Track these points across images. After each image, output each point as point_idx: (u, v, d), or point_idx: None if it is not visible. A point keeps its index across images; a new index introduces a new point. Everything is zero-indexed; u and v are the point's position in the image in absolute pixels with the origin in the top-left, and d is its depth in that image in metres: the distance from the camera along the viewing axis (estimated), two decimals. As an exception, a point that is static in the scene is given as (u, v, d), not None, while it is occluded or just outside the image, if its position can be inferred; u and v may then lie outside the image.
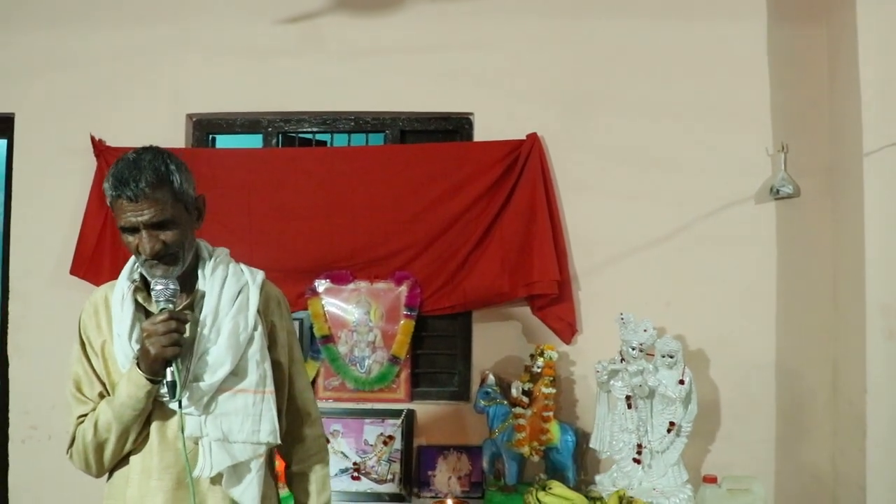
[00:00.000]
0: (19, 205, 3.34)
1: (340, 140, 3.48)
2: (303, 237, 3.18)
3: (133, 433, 1.75)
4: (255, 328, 1.82)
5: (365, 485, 3.07)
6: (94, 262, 3.18)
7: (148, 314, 1.77)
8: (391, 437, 3.12)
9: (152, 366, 1.66)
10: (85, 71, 3.34)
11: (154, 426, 1.76)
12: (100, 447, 1.75)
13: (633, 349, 2.83)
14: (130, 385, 1.70)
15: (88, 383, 1.79)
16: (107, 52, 3.34)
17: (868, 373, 2.81)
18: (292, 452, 1.99)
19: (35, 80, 3.35)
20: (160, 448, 1.76)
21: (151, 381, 1.68)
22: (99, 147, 3.24)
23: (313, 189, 3.21)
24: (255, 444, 1.78)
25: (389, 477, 3.08)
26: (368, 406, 3.20)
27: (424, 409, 3.22)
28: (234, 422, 1.76)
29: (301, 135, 3.50)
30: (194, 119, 3.40)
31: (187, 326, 1.71)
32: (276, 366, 1.89)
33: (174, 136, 3.30)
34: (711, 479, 2.57)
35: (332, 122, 3.40)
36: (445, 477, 3.10)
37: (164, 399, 1.73)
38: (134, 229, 1.69)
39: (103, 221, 3.19)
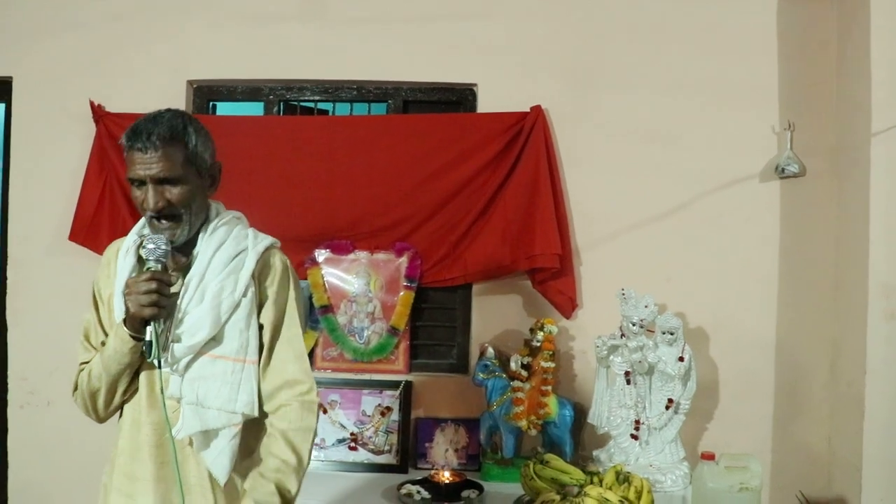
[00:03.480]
0: (18, 170, 3.32)
1: (342, 109, 3.44)
2: (303, 206, 3.16)
3: (121, 386, 1.78)
4: (243, 294, 1.77)
5: (362, 455, 3.07)
6: (92, 228, 3.17)
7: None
8: (389, 409, 3.12)
9: (133, 323, 1.68)
10: (85, 35, 3.30)
11: (143, 381, 1.78)
12: (93, 395, 1.80)
13: (634, 325, 2.82)
14: (116, 339, 1.72)
15: (94, 332, 1.83)
16: (107, 17, 3.29)
17: (868, 354, 2.80)
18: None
19: (34, 43, 3.31)
20: (148, 403, 1.78)
21: (134, 337, 1.70)
22: (98, 112, 3.21)
23: (314, 158, 3.18)
24: (229, 413, 1.73)
25: (387, 448, 3.08)
26: (366, 377, 3.20)
27: (422, 381, 3.21)
28: (211, 387, 1.73)
29: (303, 103, 3.46)
30: (195, 86, 3.37)
31: (173, 288, 1.72)
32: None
33: (174, 103, 3.12)
34: (709, 456, 2.57)
35: (335, 91, 3.36)
36: (442, 449, 3.11)
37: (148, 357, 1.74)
38: (141, 182, 1.70)
39: (102, 187, 3.18)
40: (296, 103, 3.44)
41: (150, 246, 1.69)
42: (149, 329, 1.67)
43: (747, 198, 3.15)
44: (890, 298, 2.79)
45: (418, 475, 2.91)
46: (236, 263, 1.79)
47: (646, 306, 2.83)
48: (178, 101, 3.28)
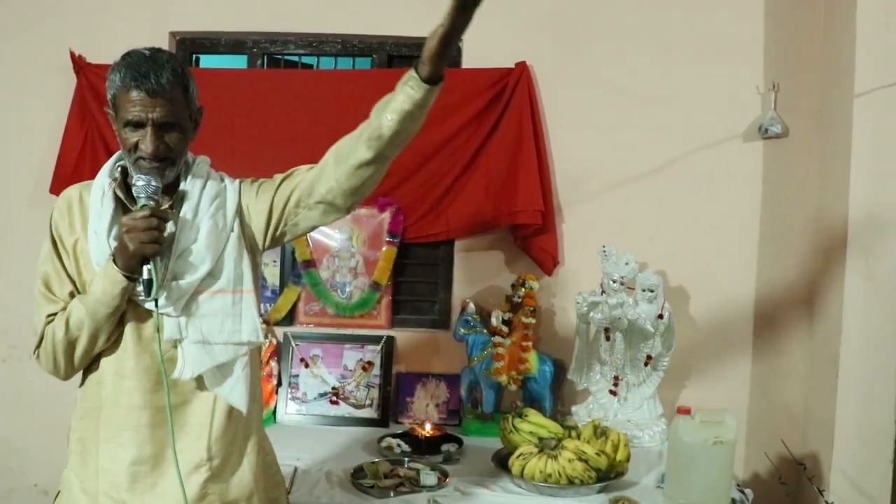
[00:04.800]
0: (-4, 121, 3.28)
1: (327, 63, 3.41)
2: (286, 160, 3.06)
3: (105, 333, 1.72)
4: (231, 229, 1.79)
5: (343, 409, 3.09)
6: (74, 181, 3.10)
7: (128, 212, 1.72)
8: (370, 363, 3.14)
9: (129, 262, 1.64)
10: (65, -16, 3.24)
11: (129, 327, 1.74)
12: (70, 346, 1.72)
13: (614, 282, 2.84)
14: (106, 281, 1.67)
15: (59, 282, 1.76)
16: (89, -36, 3.24)
17: (844, 314, 2.83)
18: (322, 177, 1.81)
19: (13, -8, 3.25)
20: (136, 350, 1.73)
21: (128, 278, 1.65)
22: (79, 63, 3.16)
23: (298, 112, 3.16)
24: (236, 345, 1.75)
25: (368, 402, 3.10)
26: (348, 332, 3.21)
27: (404, 336, 3.23)
28: (214, 323, 1.73)
29: (287, 57, 3.42)
30: (178, 37, 3.33)
31: (168, 225, 1.70)
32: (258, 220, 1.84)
33: None
34: (685, 411, 2.60)
35: (319, 44, 3.32)
36: (423, 404, 3.14)
37: (140, 298, 1.70)
38: (140, 124, 1.67)
39: (83, 139, 3.15)
40: (280, 57, 3.40)
41: (141, 183, 1.67)
42: (146, 268, 1.64)
43: (730, 157, 3.16)
44: (868, 259, 2.81)
45: (399, 429, 2.94)
46: (221, 200, 1.80)
47: (626, 263, 2.85)
48: (161, 52, 3.23)
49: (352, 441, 2.88)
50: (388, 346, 3.17)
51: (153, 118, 1.66)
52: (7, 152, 3.27)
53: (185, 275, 1.71)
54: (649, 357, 2.88)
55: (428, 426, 2.87)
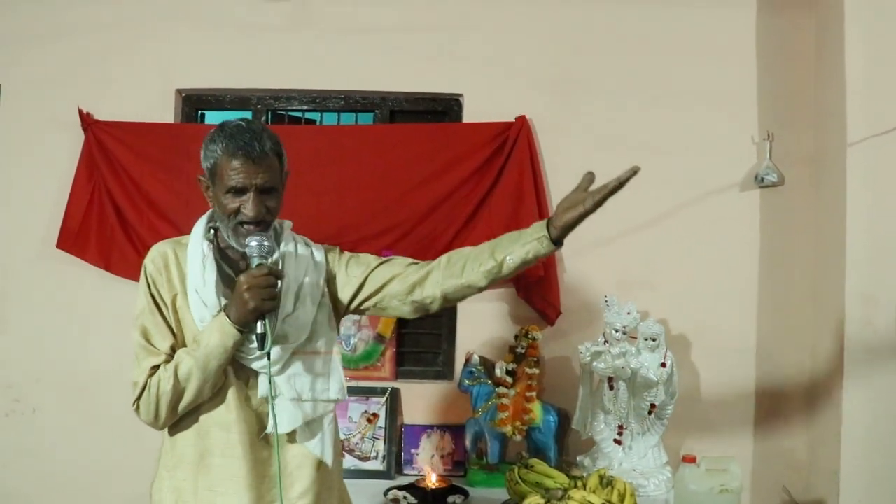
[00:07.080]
0: (4, 177, 3.31)
1: (330, 119, 3.48)
2: (290, 214, 3.12)
3: (211, 385, 1.80)
4: (323, 294, 1.91)
5: (349, 462, 3.08)
6: (80, 237, 3.18)
7: (222, 273, 1.84)
8: (375, 416, 3.14)
9: (247, 317, 1.73)
10: (74, 43, 3.30)
11: (233, 381, 1.83)
12: (177, 396, 1.79)
13: (617, 331, 2.86)
14: (219, 335, 1.75)
15: (161, 335, 1.83)
16: (96, 25, 3.30)
17: (846, 360, 2.85)
18: (426, 282, 1.94)
19: (23, 51, 3.31)
20: (237, 403, 1.82)
21: (241, 331, 1.74)
22: (87, 120, 3.22)
23: (302, 167, 3.16)
24: (325, 402, 1.88)
25: (373, 454, 3.10)
26: (353, 384, 3.20)
27: (409, 388, 3.24)
28: (306, 381, 1.85)
29: (290, 113, 3.49)
30: (183, 94, 3.39)
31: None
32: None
33: (163, 111, 3.29)
34: (690, 460, 2.61)
35: (322, 100, 3.39)
36: (428, 455, 3.13)
37: (243, 354, 1.80)
38: (242, 190, 1.76)
39: (90, 195, 3.19)
40: (283, 113, 3.47)
41: (254, 244, 1.75)
42: (260, 323, 1.72)
43: (728, 206, 3.20)
44: (867, 306, 2.84)
45: (405, 481, 2.93)
46: (313, 265, 1.91)
47: (628, 313, 2.87)
48: (167, 109, 3.30)
49: (358, 494, 2.80)
50: (393, 398, 3.17)
51: (256, 184, 1.76)
52: (14, 207, 3.31)
53: (289, 337, 1.82)
54: (653, 406, 2.89)
55: (434, 478, 2.86)
